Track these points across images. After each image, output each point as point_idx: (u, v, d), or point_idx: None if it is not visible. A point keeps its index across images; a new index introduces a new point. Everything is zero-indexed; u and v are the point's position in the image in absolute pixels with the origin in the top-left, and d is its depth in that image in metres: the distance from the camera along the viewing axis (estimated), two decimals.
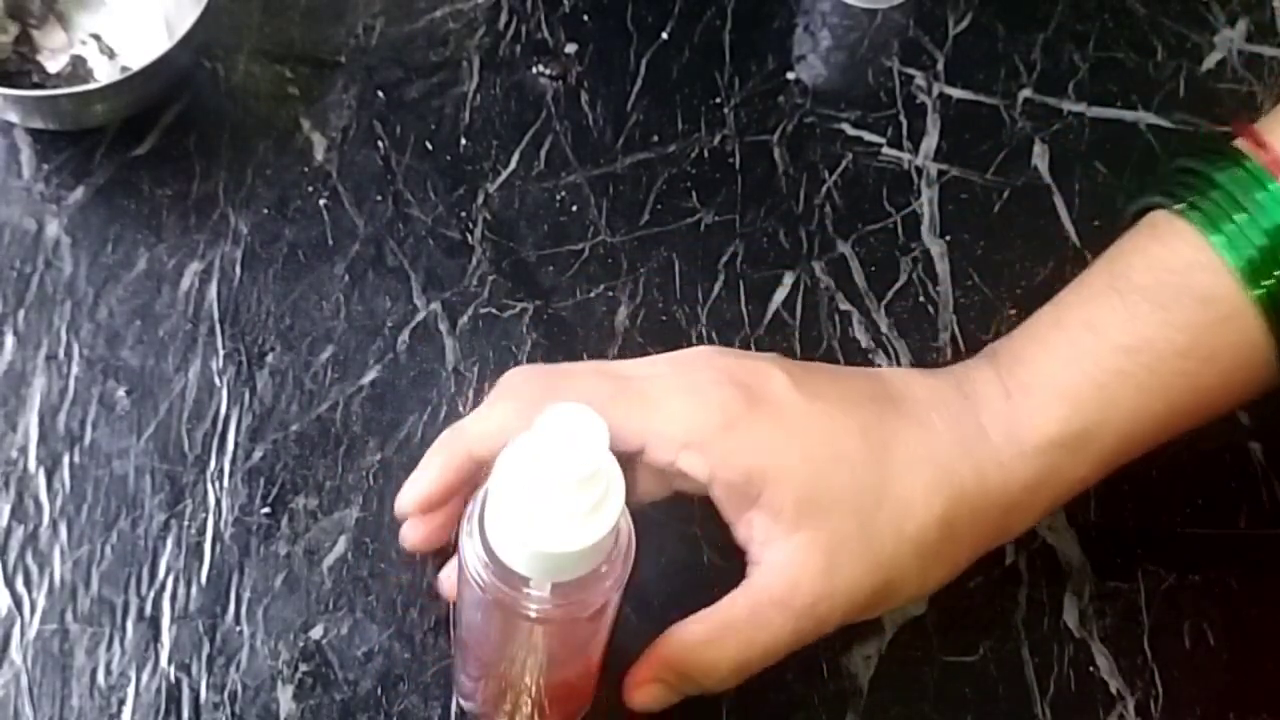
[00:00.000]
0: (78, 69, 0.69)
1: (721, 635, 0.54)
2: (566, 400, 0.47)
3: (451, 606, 0.58)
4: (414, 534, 0.57)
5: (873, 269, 0.68)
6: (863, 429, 0.54)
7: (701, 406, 0.53)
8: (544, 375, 0.56)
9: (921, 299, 0.67)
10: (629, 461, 0.55)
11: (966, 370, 0.57)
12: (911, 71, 0.73)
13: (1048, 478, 0.55)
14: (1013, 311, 0.67)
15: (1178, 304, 0.54)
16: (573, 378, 0.55)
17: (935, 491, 0.53)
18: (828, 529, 0.53)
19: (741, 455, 0.53)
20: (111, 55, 0.70)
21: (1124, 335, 0.54)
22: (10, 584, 0.58)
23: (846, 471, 0.53)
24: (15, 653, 0.57)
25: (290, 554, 0.59)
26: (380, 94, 0.70)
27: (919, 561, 0.54)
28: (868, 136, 0.71)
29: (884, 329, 0.66)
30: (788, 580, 0.53)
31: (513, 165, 0.69)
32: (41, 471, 0.60)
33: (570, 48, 0.73)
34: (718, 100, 0.72)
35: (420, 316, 0.65)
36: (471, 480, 0.55)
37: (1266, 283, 0.54)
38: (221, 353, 0.63)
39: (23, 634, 0.57)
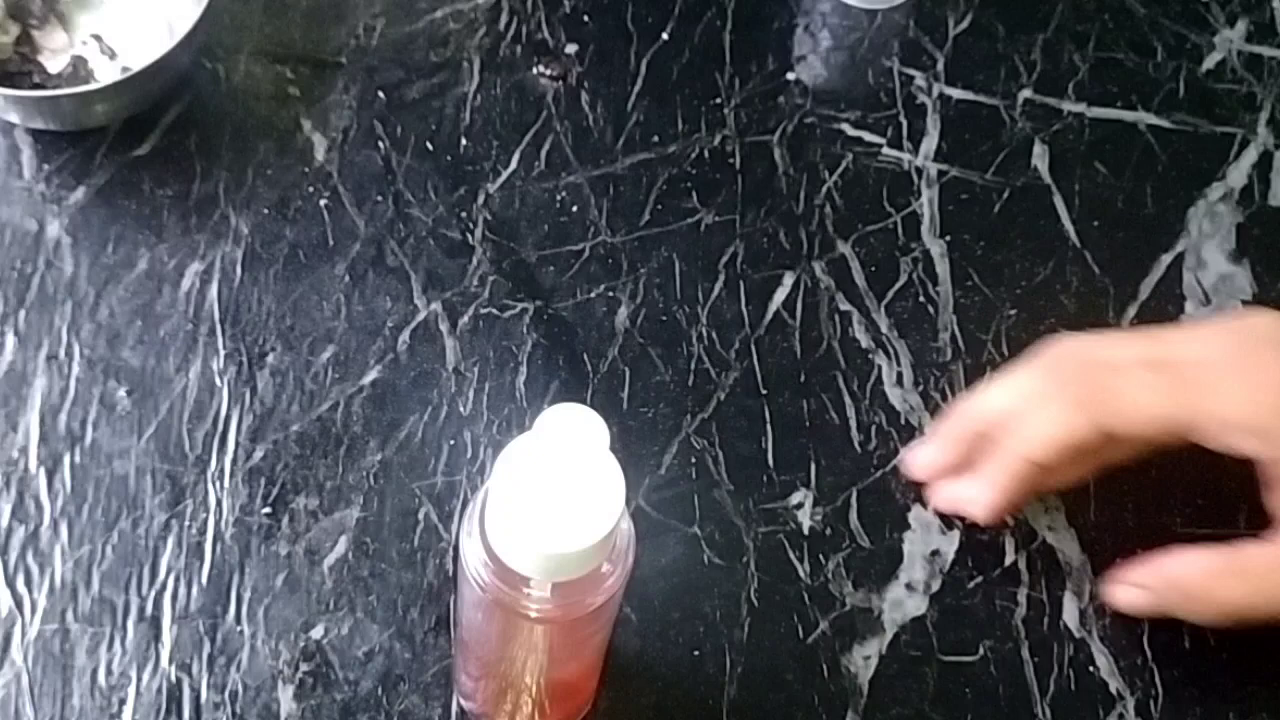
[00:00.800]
0: (79, 69, 0.69)
1: (1236, 575, 0.55)
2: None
3: (452, 606, 0.58)
4: (950, 495, 0.61)
5: (873, 269, 0.68)
6: None
7: (1261, 390, 0.54)
8: (1088, 368, 0.57)
9: (921, 299, 0.67)
10: (1150, 442, 0.57)
11: None
12: (911, 72, 0.73)
13: None
14: (1013, 311, 0.67)
15: None
16: (1120, 374, 0.56)
17: None
18: None
19: None
20: (112, 56, 0.70)
21: None
22: (11, 584, 0.58)
23: None
24: (16, 652, 0.57)
25: (291, 554, 0.59)
26: (381, 94, 0.70)
27: None
28: (868, 137, 0.71)
29: (884, 329, 0.66)
30: None
31: (513, 165, 0.69)
32: (42, 471, 0.60)
33: (570, 48, 0.73)
34: (718, 100, 0.72)
35: (421, 317, 0.65)
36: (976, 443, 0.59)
37: None
38: (222, 353, 0.63)
39: (23, 634, 0.57)
